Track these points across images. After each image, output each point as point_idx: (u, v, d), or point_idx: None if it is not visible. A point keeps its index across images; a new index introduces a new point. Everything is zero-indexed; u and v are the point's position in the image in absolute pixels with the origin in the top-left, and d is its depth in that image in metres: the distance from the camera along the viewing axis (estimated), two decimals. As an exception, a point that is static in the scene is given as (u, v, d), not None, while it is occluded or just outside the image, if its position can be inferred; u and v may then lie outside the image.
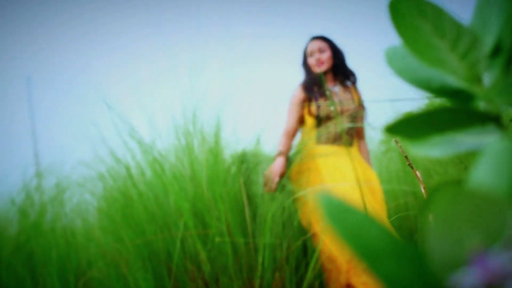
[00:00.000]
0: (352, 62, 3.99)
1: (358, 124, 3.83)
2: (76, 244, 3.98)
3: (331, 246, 3.38)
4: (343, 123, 3.79)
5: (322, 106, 3.83)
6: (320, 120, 3.83)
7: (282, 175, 3.73)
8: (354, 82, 3.92)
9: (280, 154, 3.77)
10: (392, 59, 0.57)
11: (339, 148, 3.76)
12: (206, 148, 3.89)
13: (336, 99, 3.80)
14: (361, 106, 3.85)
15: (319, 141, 3.82)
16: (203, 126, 3.91)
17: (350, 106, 3.80)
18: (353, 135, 3.82)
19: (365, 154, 3.89)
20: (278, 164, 3.72)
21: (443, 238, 0.32)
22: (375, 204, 3.46)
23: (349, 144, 3.79)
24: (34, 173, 4.82)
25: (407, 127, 0.47)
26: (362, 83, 4.00)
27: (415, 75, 0.55)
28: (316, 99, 3.85)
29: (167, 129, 4.01)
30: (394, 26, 0.50)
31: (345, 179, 3.52)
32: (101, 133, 4.12)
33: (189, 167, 3.79)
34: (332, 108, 3.74)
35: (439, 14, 0.49)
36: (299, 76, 4.07)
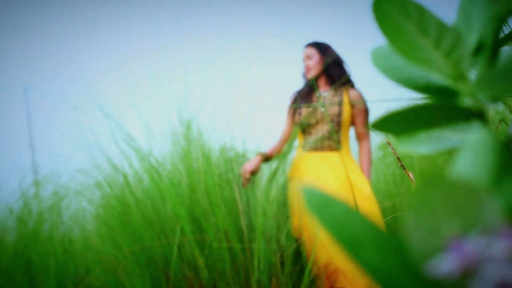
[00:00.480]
0: (358, 62, 3.99)
1: (362, 127, 3.81)
2: (74, 252, 3.99)
3: (322, 252, 3.40)
4: (326, 129, 3.79)
5: (303, 113, 3.86)
6: (304, 128, 3.85)
7: (253, 173, 3.79)
8: (347, 85, 3.88)
9: (258, 154, 3.82)
10: (378, 59, 0.58)
11: (324, 154, 3.77)
12: (202, 155, 3.89)
13: (332, 106, 3.80)
14: (352, 108, 3.81)
15: (304, 148, 3.84)
16: (199, 132, 3.92)
17: (333, 110, 3.79)
18: (340, 139, 3.79)
19: (363, 157, 3.82)
20: (251, 162, 3.80)
21: (421, 226, 0.33)
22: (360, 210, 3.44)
23: (335, 149, 3.77)
24: (32, 181, 4.82)
25: (394, 123, 0.48)
26: (367, 85, 3.99)
27: (401, 74, 0.56)
28: (300, 107, 3.87)
29: (163, 136, 4.02)
30: (378, 26, 0.51)
31: (326, 186, 3.53)
32: (98, 141, 4.13)
33: (186, 174, 3.79)
34: (320, 114, 3.76)
35: (422, 13, 0.50)
36: (298, 77, 4.09)
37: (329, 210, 0.35)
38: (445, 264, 0.30)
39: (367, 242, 0.34)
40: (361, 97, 3.87)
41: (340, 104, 3.77)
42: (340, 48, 4.00)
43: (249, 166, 3.77)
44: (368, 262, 0.33)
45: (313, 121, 3.81)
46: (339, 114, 3.76)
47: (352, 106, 3.78)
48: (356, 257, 0.33)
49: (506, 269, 0.28)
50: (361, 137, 3.88)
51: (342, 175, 3.60)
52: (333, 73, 3.83)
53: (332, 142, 3.77)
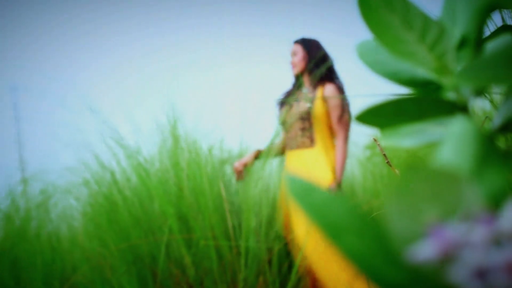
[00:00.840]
0: (347, 57, 3.98)
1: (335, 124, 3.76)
2: (61, 250, 3.97)
3: (311, 252, 3.40)
4: (297, 126, 3.79)
5: (280, 111, 3.88)
6: (283, 126, 3.87)
7: (246, 166, 3.84)
8: (325, 80, 3.84)
9: (255, 150, 3.84)
10: (363, 53, 0.58)
11: (298, 152, 3.77)
12: (189, 153, 3.89)
13: (297, 102, 3.80)
14: (326, 104, 3.77)
15: (286, 147, 3.86)
16: (186, 131, 3.92)
17: (304, 107, 3.78)
18: (313, 136, 3.76)
19: (336, 155, 3.74)
20: (245, 156, 3.83)
21: (403, 213, 0.33)
22: None
23: (308, 146, 3.76)
24: (20, 179, 4.80)
25: (378, 116, 0.49)
26: (355, 80, 3.98)
27: (386, 68, 0.56)
28: (281, 105, 3.89)
29: (151, 134, 4.02)
30: (364, 20, 0.51)
31: None
32: (86, 138, 4.12)
33: (173, 172, 3.79)
34: (295, 112, 3.77)
35: (407, 7, 0.51)
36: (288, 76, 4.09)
37: (311, 197, 0.35)
38: (425, 250, 0.30)
39: (348, 228, 0.34)
40: (334, 92, 3.79)
41: (311, 100, 3.75)
42: (329, 43, 4.00)
43: (243, 159, 3.79)
44: (349, 248, 0.33)
45: (289, 119, 3.81)
46: (309, 111, 3.74)
47: (326, 102, 3.73)
48: (337, 242, 0.34)
49: (485, 254, 0.29)
50: (336, 134, 3.78)
51: (310, 172, 3.60)
52: (316, 69, 3.81)
53: (306, 139, 3.76)
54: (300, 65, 3.86)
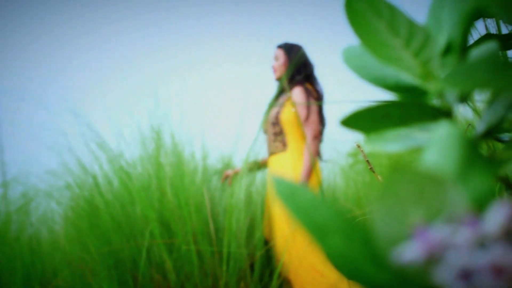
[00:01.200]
0: (334, 62, 3.97)
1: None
2: (42, 253, 3.95)
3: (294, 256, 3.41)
4: (271, 131, 3.81)
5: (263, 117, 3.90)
6: (264, 132, 3.90)
7: (236, 173, 3.89)
8: (294, 83, 3.83)
9: (249, 162, 3.88)
10: (349, 58, 0.59)
11: (272, 157, 3.79)
12: (172, 157, 3.89)
13: (275, 108, 3.82)
14: (294, 107, 3.76)
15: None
16: (170, 135, 3.92)
17: (273, 112, 3.80)
18: (285, 140, 3.76)
19: (305, 153, 3.72)
20: (240, 167, 3.88)
21: (388, 214, 0.33)
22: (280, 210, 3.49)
23: (280, 150, 3.77)
24: (0, 182, 4.77)
25: (362, 120, 0.49)
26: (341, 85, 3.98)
27: (372, 73, 0.57)
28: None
29: (134, 138, 4.01)
30: (350, 25, 0.52)
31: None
32: (68, 141, 4.10)
33: (155, 177, 3.78)
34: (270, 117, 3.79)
35: (394, 13, 0.51)
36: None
37: (297, 198, 0.36)
38: (410, 251, 0.31)
39: (334, 229, 0.35)
40: (300, 94, 3.76)
41: (280, 105, 3.77)
42: (316, 48, 4.00)
43: (236, 169, 3.82)
44: (335, 249, 0.34)
45: (266, 125, 3.84)
46: (277, 116, 3.75)
47: (294, 105, 3.73)
48: (323, 244, 0.34)
49: (469, 256, 0.29)
50: (307, 137, 3.74)
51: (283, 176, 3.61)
52: (296, 74, 3.81)
53: (279, 144, 3.77)
54: (280, 70, 3.87)
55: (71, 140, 4.10)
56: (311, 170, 3.61)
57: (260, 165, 4.00)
